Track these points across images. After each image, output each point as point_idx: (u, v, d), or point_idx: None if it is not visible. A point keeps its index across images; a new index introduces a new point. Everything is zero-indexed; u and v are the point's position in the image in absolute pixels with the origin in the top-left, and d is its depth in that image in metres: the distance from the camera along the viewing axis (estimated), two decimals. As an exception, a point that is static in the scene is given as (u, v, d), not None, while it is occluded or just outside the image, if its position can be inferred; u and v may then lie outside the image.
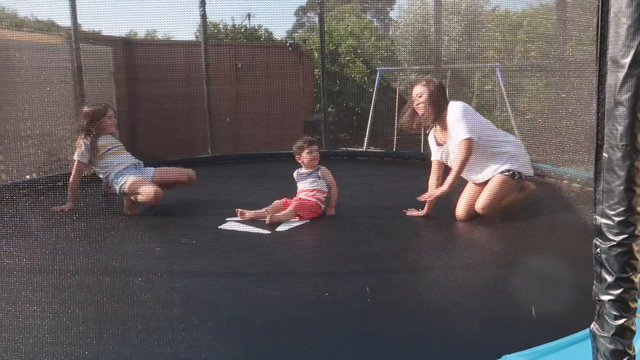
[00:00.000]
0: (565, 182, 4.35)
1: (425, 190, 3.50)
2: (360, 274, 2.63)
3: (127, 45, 6.40)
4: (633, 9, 1.14)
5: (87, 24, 5.54)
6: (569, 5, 4.66)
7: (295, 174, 3.82)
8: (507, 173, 3.31)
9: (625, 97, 1.18)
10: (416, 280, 2.52)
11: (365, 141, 7.34)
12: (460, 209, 3.39)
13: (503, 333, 1.94)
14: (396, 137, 7.61)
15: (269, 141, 6.57)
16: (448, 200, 3.43)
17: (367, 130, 7.24)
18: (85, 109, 4.05)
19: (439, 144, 3.54)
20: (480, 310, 2.16)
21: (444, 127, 3.46)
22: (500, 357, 1.70)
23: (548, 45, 5.99)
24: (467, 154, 3.23)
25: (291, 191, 3.76)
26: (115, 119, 4.09)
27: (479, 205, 3.28)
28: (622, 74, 1.17)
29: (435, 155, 3.57)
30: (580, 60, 4.89)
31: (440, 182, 3.46)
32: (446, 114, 3.39)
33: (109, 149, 3.96)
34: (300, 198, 3.65)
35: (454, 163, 3.35)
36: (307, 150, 3.74)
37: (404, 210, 3.58)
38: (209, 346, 1.86)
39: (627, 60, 1.16)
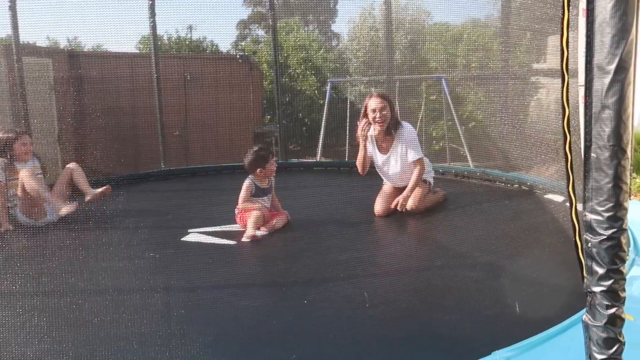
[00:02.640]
0: (515, 186, 4.59)
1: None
2: (337, 279, 2.64)
3: (70, 57, 6.11)
4: (617, 20, 1.24)
5: (28, 36, 5.19)
6: (514, 16, 4.94)
7: (249, 186, 3.56)
8: (423, 181, 3.88)
9: (611, 100, 1.28)
10: (401, 283, 2.57)
11: (319, 152, 7.39)
12: (380, 208, 3.79)
13: (492, 330, 2.01)
14: (348, 147, 7.75)
15: (219, 154, 6.49)
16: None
17: (320, 140, 7.29)
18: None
19: (381, 151, 3.94)
20: (470, 310, 2.23)
21: (390, 139, 3.88)
22: (490, 354, 1.77)
23: (491, 55, 6.33)
24: (422, 169, 3.79)
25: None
26: (30, 146, 3.93)
27: (410, 204, 3.71)
28: (607, 79, 1.27)
29: (370, 152, 3.94)
30: (526, 68, 5.21)
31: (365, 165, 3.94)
32: (398, 131, 3.84)
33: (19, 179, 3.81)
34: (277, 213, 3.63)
35: (405, 174, 3.84)
36: (270, 162, 3.59)
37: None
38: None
39: (612, 67, 1.26)
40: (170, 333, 2.04)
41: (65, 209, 3.76)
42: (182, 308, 2.30)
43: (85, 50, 7.62)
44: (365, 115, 3.82)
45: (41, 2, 4.64)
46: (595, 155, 1.32)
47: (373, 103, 3.76)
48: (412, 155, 3.78)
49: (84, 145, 5.58)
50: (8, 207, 3.78)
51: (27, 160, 3.92)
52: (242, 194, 3.55)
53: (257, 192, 3.58)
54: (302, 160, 7.94)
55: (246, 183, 3.59)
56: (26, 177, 3.71)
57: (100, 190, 3.93)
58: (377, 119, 3.75)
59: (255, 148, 3.65)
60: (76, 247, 3.01)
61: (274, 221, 3.52)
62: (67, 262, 2.89)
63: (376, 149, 3.93)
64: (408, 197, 3.69)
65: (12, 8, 4.87)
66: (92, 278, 2.64)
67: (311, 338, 2.04)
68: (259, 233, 3.38)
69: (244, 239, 3.30)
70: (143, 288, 2.50)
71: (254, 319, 2.20)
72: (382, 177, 4.08)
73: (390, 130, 3.82)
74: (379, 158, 3.95)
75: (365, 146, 3.87)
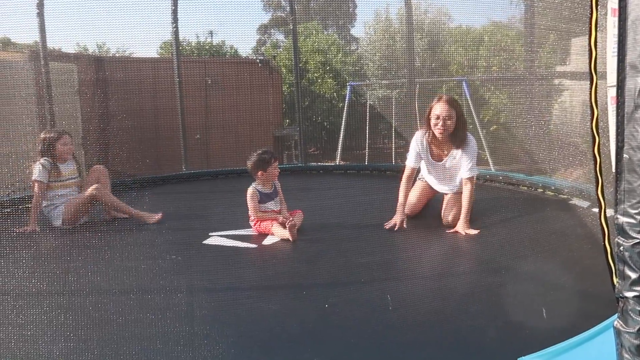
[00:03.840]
0: (539, 190, 4.51)
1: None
2: (359, 283, 2.62)
3: (94, 62, 6.23)
4: (651, 17, 1.20)
5: (54, 42, 5.32)
6: (537, 17, 4.87)
7: (253, 194, 3.50)
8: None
9: (645, 100, 1.24)
10: (425, 287, 2.54)
11: (338, 155, 7.39)
12: (452, 216, 3.51)
13: (517, 336, 1.97)
14: (367, 150, 7.73)
15: (240, 156, 6.52)
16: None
17: (340, 144, 7.29)
18: (42, 135, 4.00)
19: (435, 159, 3.63)
20: (495, 315, 2.19)
21: (448, 148, 3.55)
22: (515, 360, 1.73)
23: (513, 57, 6.25)
24: (473, 187, 3.47)
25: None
26: (71, 146, 4.01)
27: (465, 229, 3.39)
28: (641, 78, 1.24)
29: (416, 163, 3.64)
30: (550, 70, 5.12)
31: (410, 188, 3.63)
32: (462, 143, 3.49)
33: (65, 179, 3.92)
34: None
35: (458, 193, 3.55)
36: (272, 165, 3.53)
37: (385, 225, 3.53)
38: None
39: (646, 66, 1.23)
40: (193, 333, 2.05)
41: (153, 219, 3.86)
42: (205, 309, 2.32)
43: (109, 55, 7.78)
44: (428, 119, 3.48)
45: (67, 10, 4.76)
46: (627, 157, 1.29)
47: (439, 109, 3.43)
48: (467, 172, 3.47)
49: (107, 147, 5.68)
50: (44, 206, 3.85)
51: (67, 160, 3.99)
52: (250, 204, 3.51)
53: (263, 198, 3.54)
54: (320, 163, 7.94)
55: (250, 192, 3.53)
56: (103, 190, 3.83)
57: (154, 217, 3.91)
58: (438, 127, 3.43)
59: (259, 151, 3.59)
60: (100, 248, 3.05)
61: (293, 220, 3.43)
62: (91, 262, 2.94)
63: (428, 154, 3.63)
64: (465, 222, 3.37)
65: (40, 15, 4.98)
66: (117, 278, 2.67)
67: (333, 341, 2.03)
68: (287, 235, 3.34)
69: (264, 243, 3.31)
70: (166, 289, 2.52)
71: (275, 321, 2.20)
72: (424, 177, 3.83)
73: (451, 140, 3.48)
74: (428, 164, 3.66)
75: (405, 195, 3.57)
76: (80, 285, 2.58)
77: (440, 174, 3.68)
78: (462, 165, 3.49)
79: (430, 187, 3.82)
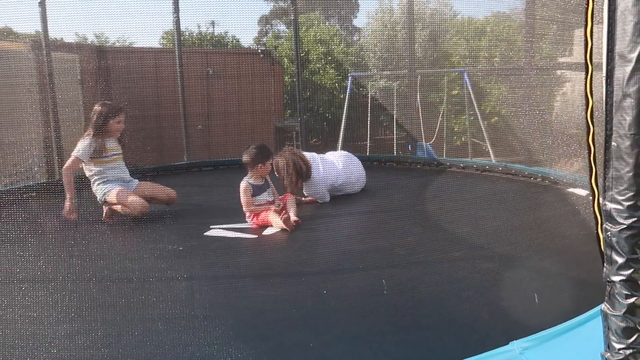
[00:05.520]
0: (538, 180, 4.54)
1: None
2: (355, 269, 2.67)
3: (96, 52, 6.25)
4: (639, 8, 1.23)
5: (56, 32, 5.32)
6: (539, 8, 4.87)
7: (246, 188, 3.56)
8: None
9: (633, 89, 1.27)
10: (419, 273, 2.59)
11: (339, 146, 7.41)
12: None
13: (510, 321, 2.02)
14: (369, 141, 7.76)
15: (241, 147, 6.56)
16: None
17: (341, 135, 7.31)
18: (98, 107, 3.84)
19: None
20: (489, 300, 2.24)
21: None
22: (507, 343, 1.77)
23: (514, 48, 6.24)
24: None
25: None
26: (123, 125, 3.90)
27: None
28: (629, 67, 1.27)
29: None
30: (551, 61, 5.13)
31: None
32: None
33: (110, 155, 3.84)
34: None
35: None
36: (270, 160, 3.61)
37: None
38: (214, 345, 1.85)
39: (634, 55, 1.26)
40: (193, 315, 2.11)
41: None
42: (205, 294, 2.37)
43: (110, 45, 7.79)
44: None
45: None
46: (615, 144, 1.32)
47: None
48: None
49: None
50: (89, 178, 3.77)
51: (117, 137, 3.90)
52: (243, 198, 3.55)
53: (256, 191, 3.58)
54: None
55: (242, 186, 3.57)
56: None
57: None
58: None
59: (256, 145, 3.65)
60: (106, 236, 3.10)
61: (287, 213, 3.46)
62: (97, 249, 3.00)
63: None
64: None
65: (42, 4, 5.00)
66: (121, 264, 2.73)
67: (329, 325, 2.07)
68: (292, 218, 3.39)
69: (264, 233, 3.35)
70: (169, 275, 2.57)
71: (273, 307, 2.25)
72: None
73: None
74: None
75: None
76: (85, 270, 2.64)
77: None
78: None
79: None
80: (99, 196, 3.81)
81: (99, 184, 3.82)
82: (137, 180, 4.03)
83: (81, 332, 1.90)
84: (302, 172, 3.96)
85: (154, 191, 3.99)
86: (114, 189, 3.77)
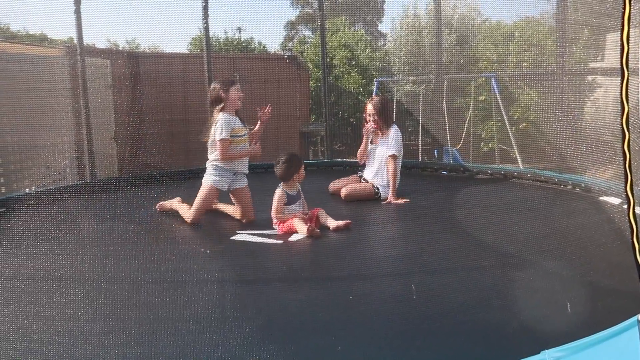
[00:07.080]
0: (568, 187, 4.44)
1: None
2: (382, 276, 2.66)
3: (127, 58, 6.41)
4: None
5: (89, 38, 5.46)
6: (570, 12, 4.79)
7: (281, 196, 3.51)
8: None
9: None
10: (450, 280, 2.57)
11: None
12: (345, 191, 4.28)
13: (542, 330, 1.98)
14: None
15: (266, 152, 6.60)
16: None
17: (366, 140, 7.28)
18: (214, 85, 3.72)
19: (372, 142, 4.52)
20: (520, 308, 2.21)
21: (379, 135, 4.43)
22: (539, 353, 1.74)
23: (545, 53, 6.15)
24: (394, 167, 4.26)
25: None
26: (241, 93, 3.71)
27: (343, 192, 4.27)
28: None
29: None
30: (583, 66, 5.03)
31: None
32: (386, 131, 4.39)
33: (238, 135, 3.65)
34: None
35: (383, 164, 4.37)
36: (302, 165, 3.59)
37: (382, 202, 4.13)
38: (243, 346, 1.88)
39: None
40: (224, 316, 2.13)
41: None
42: (235, 298, 2.40)
43: (141, 50, 7.98)
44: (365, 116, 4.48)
45: (102, 8, 4.89)
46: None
47: (367, 109, 4.46)
48: (389, 151, 4.30)
49: (139, 140, 5.84)
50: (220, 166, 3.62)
51: (239, 109, 3.72)
52: (275, 205, 3.53)
53: (289, 200, 3.57)
54: (346, 159, 7.96)
55: (278, 193, 3.55)
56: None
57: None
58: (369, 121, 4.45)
59: (286, 155, 3.59)
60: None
61: (311, 225, 3.41)
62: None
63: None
64: (392, 193, 4.15)
65: (77, 11, 5.15)
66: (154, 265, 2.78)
67: (357, 331, 2.07)
68: (334, 223, 3.39)
69: (290, 239, 3.34)
70: (200, 278, 2.61)
71: (300, 311, 2.26)
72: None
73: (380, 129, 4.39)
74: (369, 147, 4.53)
75: (366, 142, 4.46)
76: (119, 271, 2.70)
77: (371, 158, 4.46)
78: (387, 147, 4.31)
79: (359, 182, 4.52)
80: (222, 186, 3.66)
81: (215, 169, 3.67)
82: (246, 180, 3.84)
83: (115, 330, 1.95)
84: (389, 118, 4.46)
85: (244, 202, 3.73)
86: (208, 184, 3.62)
